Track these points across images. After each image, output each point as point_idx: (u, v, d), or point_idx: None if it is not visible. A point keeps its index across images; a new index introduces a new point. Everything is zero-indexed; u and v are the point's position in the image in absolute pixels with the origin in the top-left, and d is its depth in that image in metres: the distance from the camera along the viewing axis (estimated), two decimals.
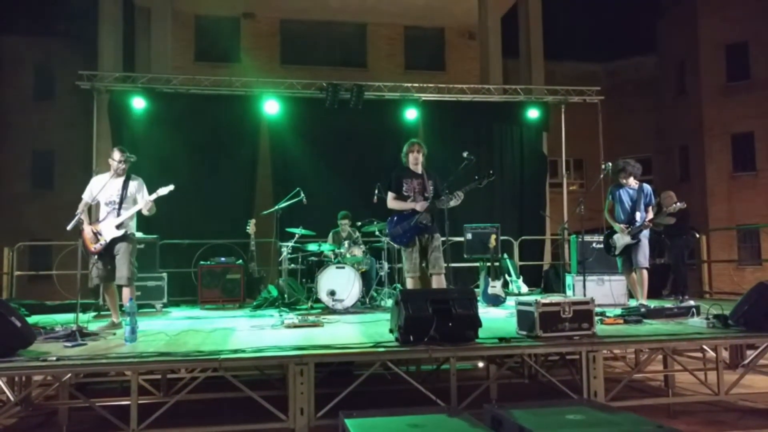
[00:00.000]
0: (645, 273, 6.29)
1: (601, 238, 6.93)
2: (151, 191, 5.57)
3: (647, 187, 6.46)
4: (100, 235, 5.41)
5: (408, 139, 10.97)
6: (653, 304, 6.19)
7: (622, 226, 6.34)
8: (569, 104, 10.89)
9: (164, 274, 7.85)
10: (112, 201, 5.50)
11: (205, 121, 9.77)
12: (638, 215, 6.28)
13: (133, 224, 5.64)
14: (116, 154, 5.56)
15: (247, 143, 9.99)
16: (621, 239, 6.37)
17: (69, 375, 4.51)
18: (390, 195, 5.98)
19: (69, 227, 4.95)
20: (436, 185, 5.89)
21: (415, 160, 5.95)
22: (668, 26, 20.83)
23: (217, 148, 9.80)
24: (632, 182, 6.43)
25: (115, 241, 5.42)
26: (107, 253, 5.44)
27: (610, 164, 6.50)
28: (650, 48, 21.43)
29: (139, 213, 5.58)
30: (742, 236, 17.56)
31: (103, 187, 5.44)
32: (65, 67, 16.86)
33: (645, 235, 6.31)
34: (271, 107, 9.80)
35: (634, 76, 21.49)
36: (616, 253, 6.46)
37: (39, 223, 16.14)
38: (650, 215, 6.35)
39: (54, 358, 3.77)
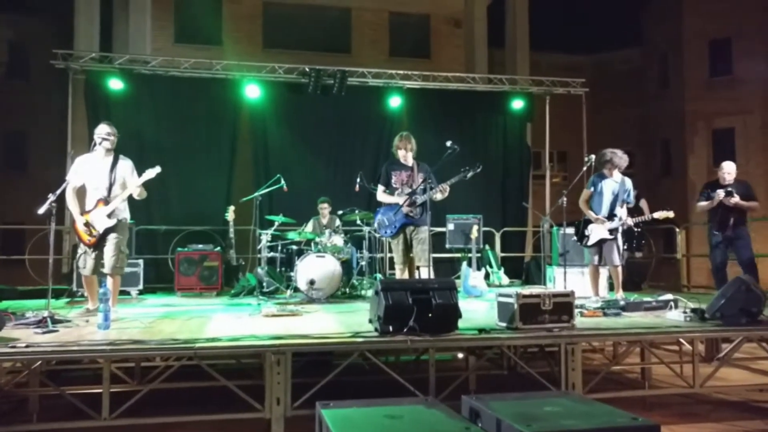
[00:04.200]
0: (619, 270, 6.13)
1: None
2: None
3: (629, 182, 6.22)
4: (93, 227, 5.13)
5: (391, 127, 10.93)
6: (632, 297, 6.20)
7: (600, 217, 6.12)
8: (554, 95, 10.88)
9: (140, 261, 7.70)
10: (100, 186, 5.19)
11: (184, 105, 9.56)
12: (622, 212, 6.08)
13: (126, 209, 5.34)
14: (102, 128, 5.24)
15: (227, 128, 9.80)
16: (597, 231, 6.17)
17: (39, 362, 4.40)
18: (379, 188, 6.09)
19: (40, 211, 4.74)
20: (428, 178, 5.80)
21: (404, 154, 6.01)
22: (653, 19, 20.91)
23: (196, 133, 9.61)
24: (616, 174, 6.20)
25: (107, 231, 5.18)
26: (99, 243, 5.19)
27: (593, 157, 6.33)
28: (636, 41, 21.51)
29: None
30: None
31: (89, 167, 5.14)
32: (40, 45, 16.44)
33: (620, 230, 6.10)
34: (252, 92, 9.63)
35: (619, 68, 21.56)
36: (589, 244, 6.25)
37: (10, 207, 15.78)
38: (623, 212, 6.12)
39: (23, 345, 3.66)
